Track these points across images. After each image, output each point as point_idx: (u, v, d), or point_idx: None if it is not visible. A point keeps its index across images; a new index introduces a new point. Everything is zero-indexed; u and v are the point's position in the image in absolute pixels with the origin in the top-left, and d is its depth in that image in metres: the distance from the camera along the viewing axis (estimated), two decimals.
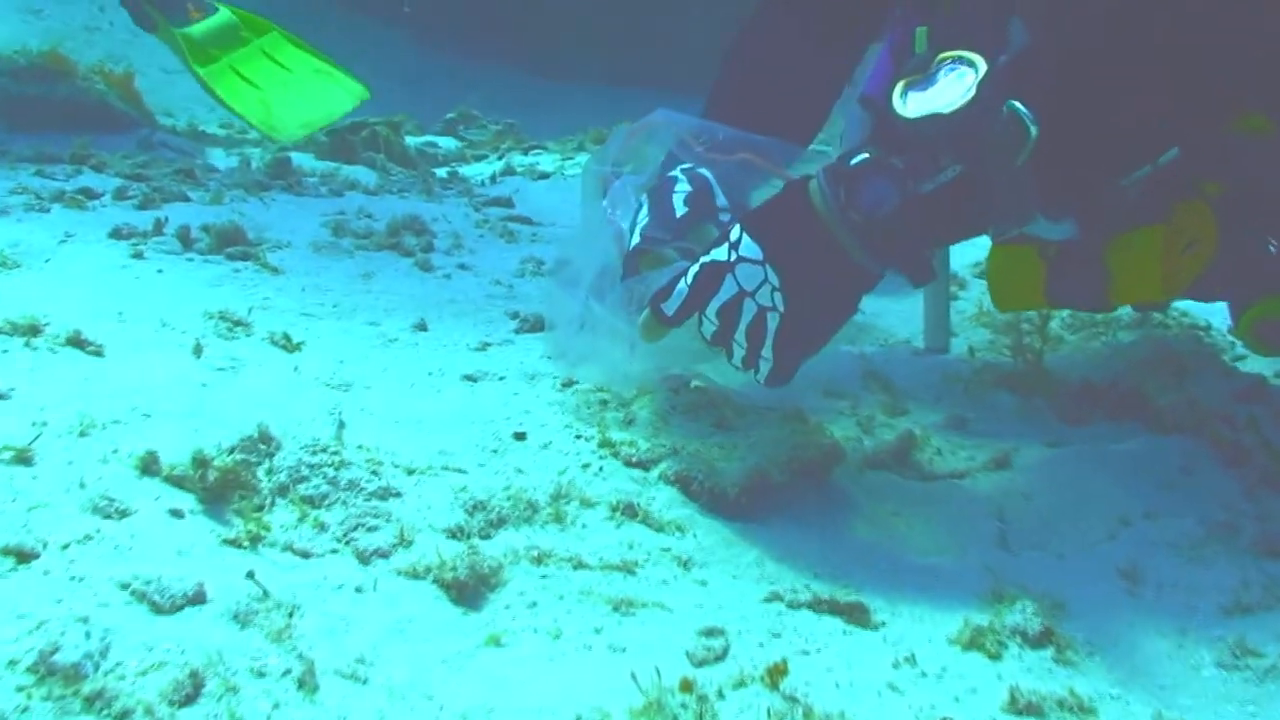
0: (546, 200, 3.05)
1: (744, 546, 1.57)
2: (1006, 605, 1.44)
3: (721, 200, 1.83)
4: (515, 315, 2.18)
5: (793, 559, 1.56)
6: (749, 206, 1.85)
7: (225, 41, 3.58)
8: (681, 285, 1.63)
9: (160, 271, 2.15)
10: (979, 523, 1.70)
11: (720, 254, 1.61)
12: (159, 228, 2.32)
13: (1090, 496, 1.73)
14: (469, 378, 1.91)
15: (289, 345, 1.91)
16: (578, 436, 1.74)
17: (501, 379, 1.92)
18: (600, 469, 1.67)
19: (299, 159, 3.32)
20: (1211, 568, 1.57)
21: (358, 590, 1.36)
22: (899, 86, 1.51)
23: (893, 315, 2.36)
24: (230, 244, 2.29)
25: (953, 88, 1.48)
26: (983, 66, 1.47)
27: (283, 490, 1.50)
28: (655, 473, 1.67)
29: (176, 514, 1.41)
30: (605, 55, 6.58)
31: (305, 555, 1.41)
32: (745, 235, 1.60)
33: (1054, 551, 1.65)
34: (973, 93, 1.46)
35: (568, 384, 1.88)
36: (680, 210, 1.81)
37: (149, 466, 1.48)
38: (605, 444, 1.72)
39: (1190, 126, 1.60)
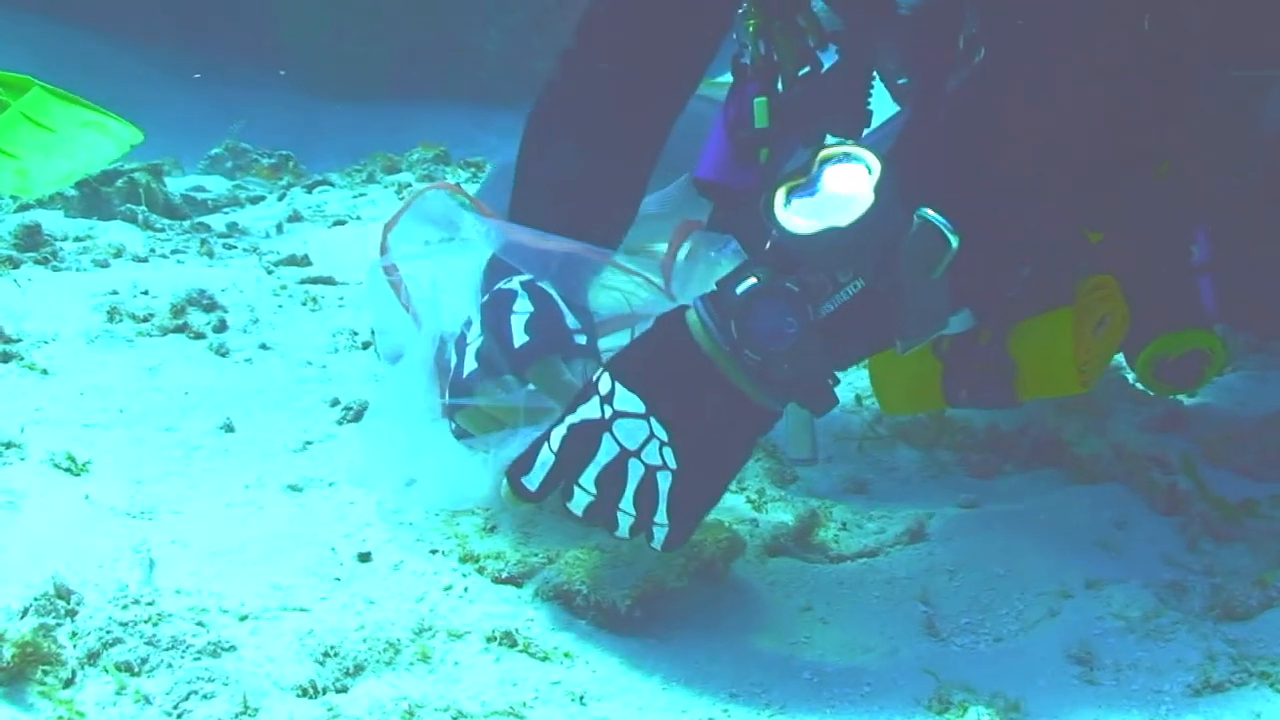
0: (346, 252, 2.95)
1: (645, 670, 1.50)
2: (957, 713, 1.41)
3: (572, 321, 1.74)
4: (335, 402, 2.09)
5: (703, 679, 1.50)
6: (594, 319, 1.78)
7: None
8: (545, 455, 1.53)
9: None
10: (902, 608, 1.66)
11: (591, 411, 1.51)
12: None
13: (1021, 566, 1.70)
14: (293, 487, 1.82)
15: (74, 467, 1.80)
16: (433, 551, 1.67)
17: (331, 485, 1.84)
18: (465, 590, 1.60)
19: (47, 221, 3.16)
20: (1171, 641, 1.55)
21: None
22: (780, 194, 1.44)
23: None
24: None
25: (844, 193, 1.42)
26: (875, 165, 1.42)
27: (93, 658, 1.39)
28: (530, 589, 1.60)
29: None
30: (388, 68, 6.49)
31: None
32: (619, 385, 1.50)
33: (990, 634, 1.62)
34: (871, 199, 1.40)
35: (413, 483, 1.80)
36: (520, 339, 1.70)
37: None
38: (467, 558, 1.65)
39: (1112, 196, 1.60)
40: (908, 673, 1.52)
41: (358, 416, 2.04)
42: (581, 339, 1.74)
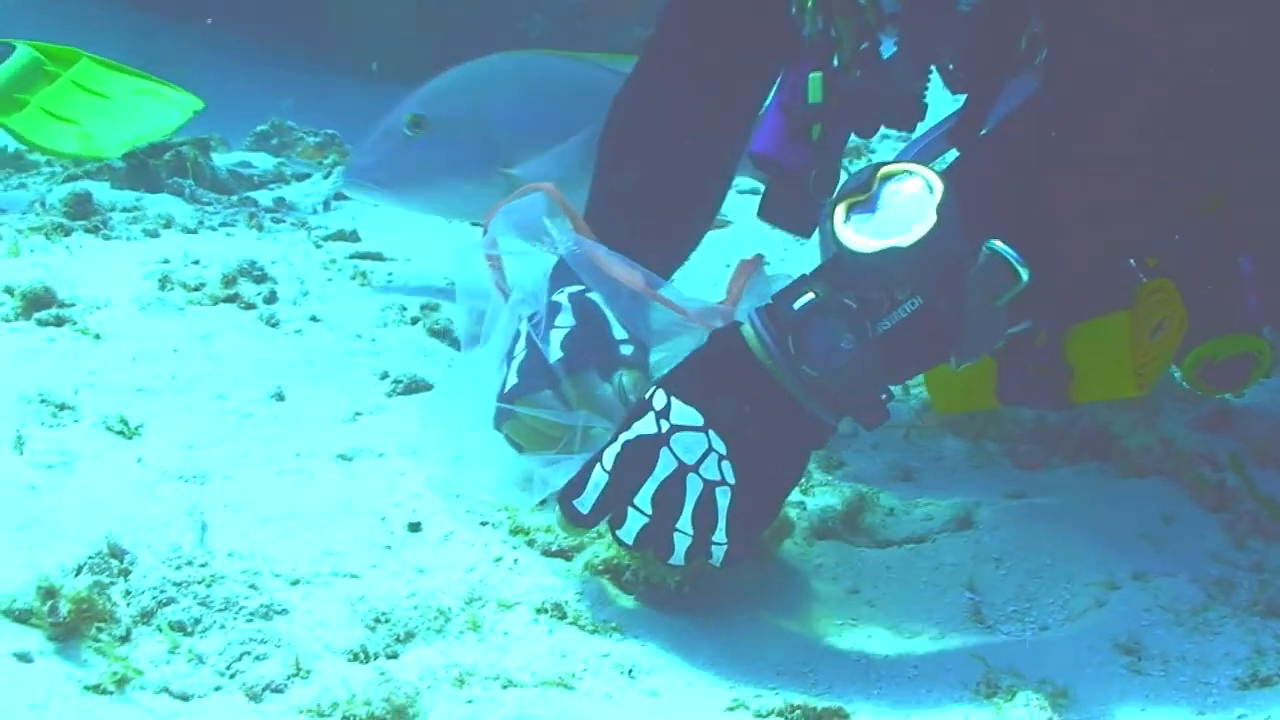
0: (395, 230, 2.96)
1: (693, 646, 1.51)
2: (1005, 697, 1.40)
3: (618, 331, 1.73)
4: (385, 375, 2.09)
5: (751, 657, 1.50)
6: (646, 333, 1.78)
7: (31, 81, 3.43)
8: (598, 475, 1.50)
9: None
10: (948, 595, 1.66)
11: (646, 427, 1.49)
12: None
13: (1068, 556, 1.70)
14: (343, 457, 1.83)
15: (127, 431, 1.81)
16: (483, 523, 1.68)
17: (381, 455, 1.84)
18: (515, 562, 1.60)
19: (96, 190, 3.18)
20: (1218, 635, 1.55)
21: None
22: (840, 210, 1.43)
23: None
24: (40, 307, 2.16)
25: (904, 212, 1.41)
26: (937, 185, 1.41)
27: (146, 616, 1.41)
28: (580, 562, 1.61)
29: (23, 658, 1.32)
30: (430, 52, 6.49)
31: (185, 698, 1.32)
32: (675, 399, 1.48)
33: (1036, 623, 1.61)
34: (934, 220, 1.39)
35: (461, 460, 1.81)
36: (555, 354, 1.71)
37: None
38: (517, 530, 1.66)
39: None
40: (955, 657, 1.52)
41: (408, 390, 2.05)
42: (627, 349, 1.74)
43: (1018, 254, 1.41)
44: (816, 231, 1.95)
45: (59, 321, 2.15)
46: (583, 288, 1.76)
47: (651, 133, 1.93)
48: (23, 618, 1.36)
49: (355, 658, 1.41)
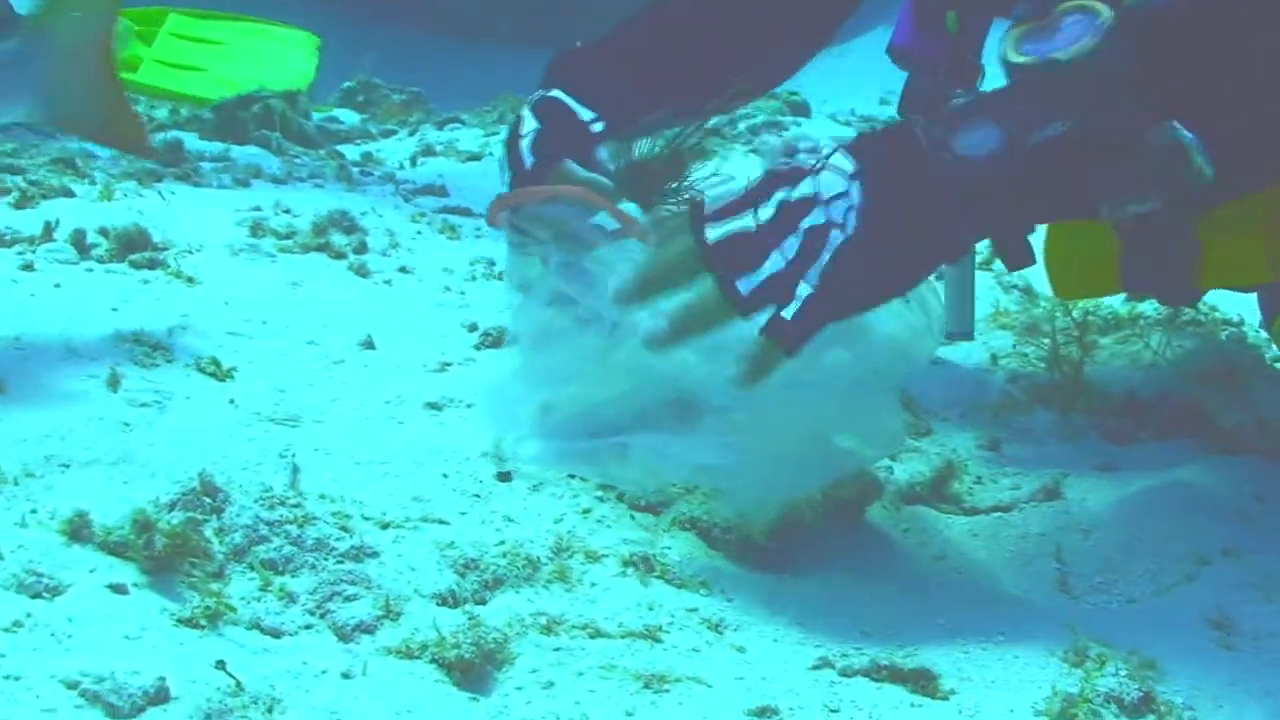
0: (482, 186, 2.96)
1: (780, 603, 1.50)
2: (1094, 666, 1.39)
3: (585, 114, 1.70)
4: (473, 327, 2.10)
5: (837, 616, 1.49)
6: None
7: (123, 42, 3.45)
8: (735, 184, 1.49)
9: (58, 286, 2.04)
10: (1034, 564, 1.65)
11: (805, 161, 1.47)
12: (48, 232, 2.21)
13: (1158, 530, 1.68)
14: (432, 405, 1.83)
15: (219, 373, 1.83)
16: (571, 476, 1.67)
17: (470, 406, 1.84)
18: (603, 515, 1.60)
19: (184, 140, 3.20)
20: None
21: (345, 676, 1.27)
22: (1014, 35, 1.42)
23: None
24: (134, 249, 2.19)
25: (1071, 36, 1.40)
26: (1106, 13, 1.39)
27: (238, 554, 1.41)
28: (668, 518, 1.61)
29: (118, 589, 1.32)
30: (515, 8, 6.49)
31: (276, 634, 1.32)
32: (840, 151, 1.46)
33: (1123, 595, 1.61)
34: (1097, 40, 1.37)
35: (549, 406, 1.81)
36: (529, 161, 1.67)
37: (78, 531, 1.38)
38: (605, 484, 1.65)
39: None
40: (1042, 625, 1.50)
41: (495, 343, 2.05)
42: (598, 126, 1.70)
43: (1199, 143, 1.36)
44: None
45: (152, 264, 2.17)
46: (542, 93, 1.73)
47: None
48: (117, 550, 1.37)
49: (444, 602, 1.41)
